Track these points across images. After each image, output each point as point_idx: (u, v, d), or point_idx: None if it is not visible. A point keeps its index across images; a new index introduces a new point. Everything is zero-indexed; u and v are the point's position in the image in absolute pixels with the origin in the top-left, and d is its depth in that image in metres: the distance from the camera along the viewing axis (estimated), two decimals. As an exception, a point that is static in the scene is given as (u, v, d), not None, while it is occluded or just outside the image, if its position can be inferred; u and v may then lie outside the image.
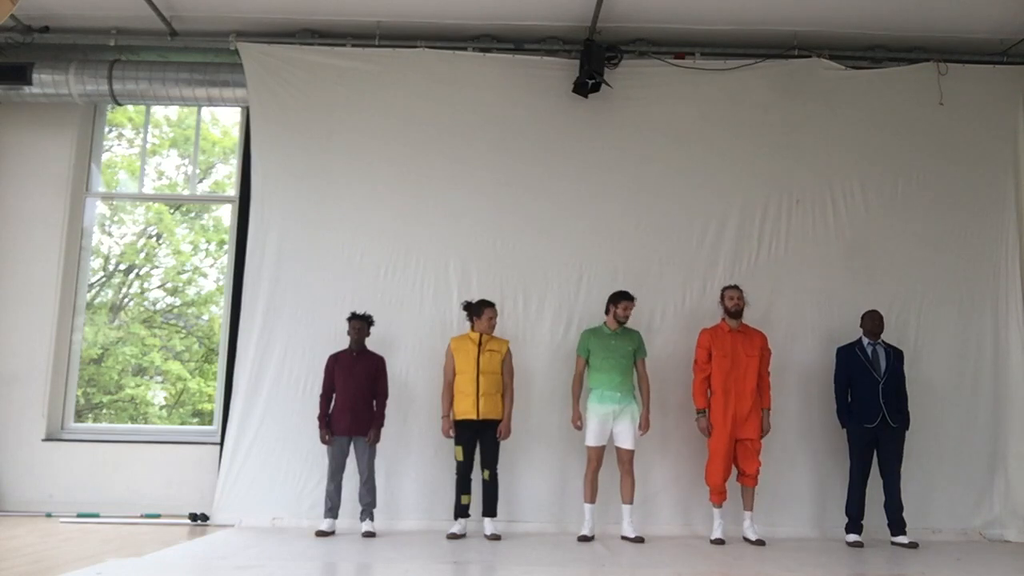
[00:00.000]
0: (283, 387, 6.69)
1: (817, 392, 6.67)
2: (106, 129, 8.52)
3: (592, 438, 6.06)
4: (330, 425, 6.15)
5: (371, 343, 6.50)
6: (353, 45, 7.20)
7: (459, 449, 6.00)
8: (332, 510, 6.06)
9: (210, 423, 7.95)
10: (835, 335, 6.77)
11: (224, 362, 7.12)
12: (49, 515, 6.65)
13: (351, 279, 6.83)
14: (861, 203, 7.03)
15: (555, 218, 6.95)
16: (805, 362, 6.77)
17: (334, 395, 6.24)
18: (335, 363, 6.27)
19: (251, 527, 6.34)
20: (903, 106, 7.13)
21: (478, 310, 6.20)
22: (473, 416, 5.99)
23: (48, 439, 7.04)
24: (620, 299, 6.23)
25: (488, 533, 5.96)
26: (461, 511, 6.01)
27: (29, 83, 7.08)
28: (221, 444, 6.71)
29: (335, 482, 6.09)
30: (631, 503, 6.03)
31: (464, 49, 7.19)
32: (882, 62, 7.26)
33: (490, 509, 6.03)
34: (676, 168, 7.03)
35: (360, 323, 6.31)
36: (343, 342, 6.50)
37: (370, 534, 5.97)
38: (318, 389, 6.48)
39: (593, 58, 6.78)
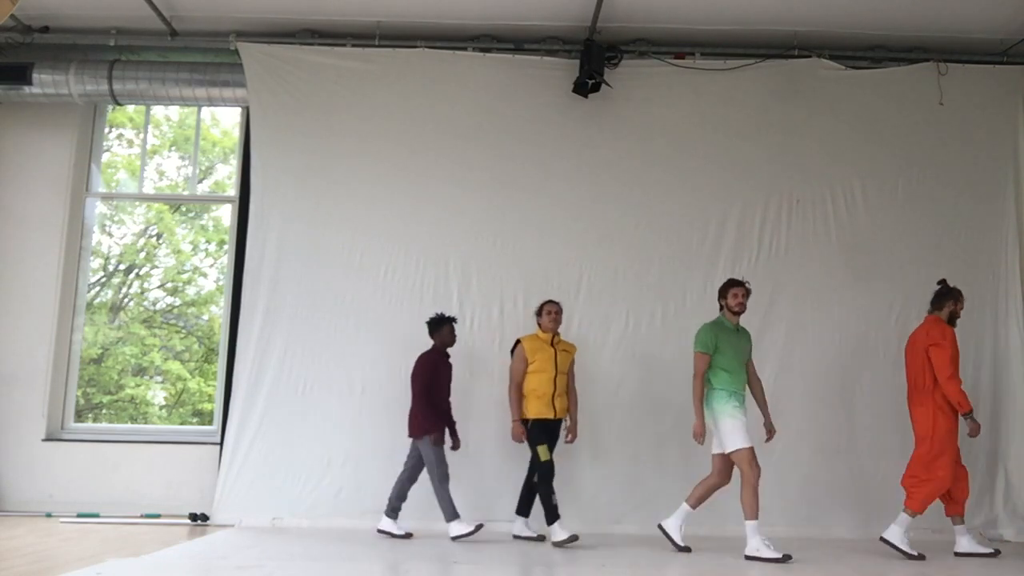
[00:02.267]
0: (283, 387, 6.69)
1: (817, 392, 6.67)
2: (106, 129, 8.53)
3: (747, 438, 5.35)
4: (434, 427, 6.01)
5: (370, 342, 6.51)
6: (353, 45, 7.20)
7: (545, 448, 5.81)
8: (455, 511, 5.93)
9: (210, 423, 7.95)
10: (835, 335, 6.77)
11: (224, 362, 7.12)
12: (49, 515, 6.64)
13: (351, 279, 6.83)
14: (861, 203, 7.03)
15: (555, 218, 6.95)
16: (805, 362, 6.77)
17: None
18: (437, 365, 6.17)
19: (251, 527, 6.34)
20: (903, 106, 7.14)
21: (539, 310, 6.08)
22: (551, 416, 5.91)
23: (48, 439, 7.04)
24: (729, 287, 5.68)
25: (560, 538, 5.69)
26: (556, 513, 5.76)
27: (29, 83, 7.08)
28: (221, 444, 6.71)
29: (447, 484, 5.97)
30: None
31: (464, 49, 7.19)
32: (882, 62, 7.27)
33: (526, 509, 5.97)
34: (676, 168, 7.03)
35: (454, 325, 6.27)
36: (343, 342, 6.51)
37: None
38: (318, 389, 6.50)
39: (593, 58, 6.78)
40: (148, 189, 10.90)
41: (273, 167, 7.01)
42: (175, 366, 11.65)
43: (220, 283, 11.59)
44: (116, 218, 11.74)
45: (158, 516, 6.66)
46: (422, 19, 7.02)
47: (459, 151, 7.02)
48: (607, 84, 6.91)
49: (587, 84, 6.83)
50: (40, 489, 6.89)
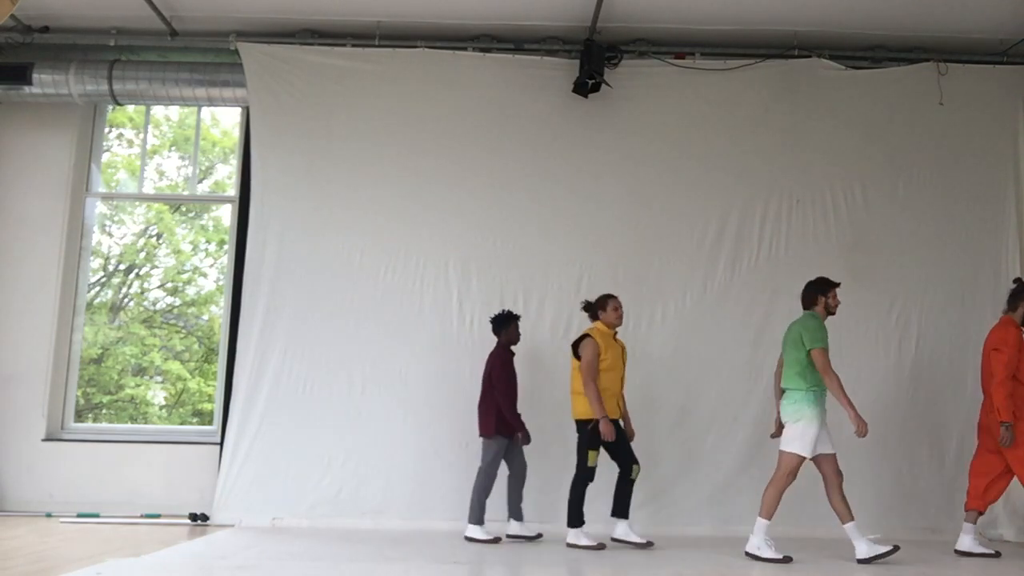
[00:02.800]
0: (283, 387, 6.69)
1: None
2: (106, 129, 8.52)
3: (811, 449, 5.22)
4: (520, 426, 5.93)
5: (371, 342, 6.51)
6: (353, 45, 7.20)
7: (595, 454, 5.63)
8: (482, 516, 5.91)
9: (210, 423, 7.95)
10: (835, 335, 6.75)
11: (224, 362, 7.12)
12: (49, 515, 6.64)
13: (351, 279, 6.84)
14: (861, 203, 7.03)
15: (555, 218, 6.95)
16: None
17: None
18: (509, 363, 6.06)
19: (251, 527, 6.34)
20: (903, 106, 7.14)
21: (604, 303, 5.85)
22: (617, 416, 5.75)
23: (48, 439, 7.04)
24: (831, 285, 5.52)
25: (638, 539, 5.61)
26: (582, 519, 5.66)
27: (29, 83, 7.08)
28: (221, 444, 6.71)
29: (490, 488, 5.94)
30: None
31: (464, 49, 7.19)
32: (882, 62, 7.27)
33: (626, 510, 5.73)
34: (676, 168, 7.03)
35: (519, 322, 6.18)
36: (343, 342, 6.52)
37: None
38: (318, 389, 6.51)
39: (593, 58, 6.78)
40: (148, 189, 10.90)
41: (273, 167, 7.01)
42: (175, 366, 11.65)
43: (220, 283, 11.58)
44: (116, 218, 11.74)
45: (158, 516, 6.66)
46: (422, 19, 7.02)
47: (459, 151, 7.02)
48: (607, 84, 6.92)
49: (587, 84, 6.83)
50: (40, 489, 6.89)
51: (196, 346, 12.06)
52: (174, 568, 4.69)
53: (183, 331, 12.06)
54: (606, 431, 5.53)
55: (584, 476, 5.64)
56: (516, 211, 6.95)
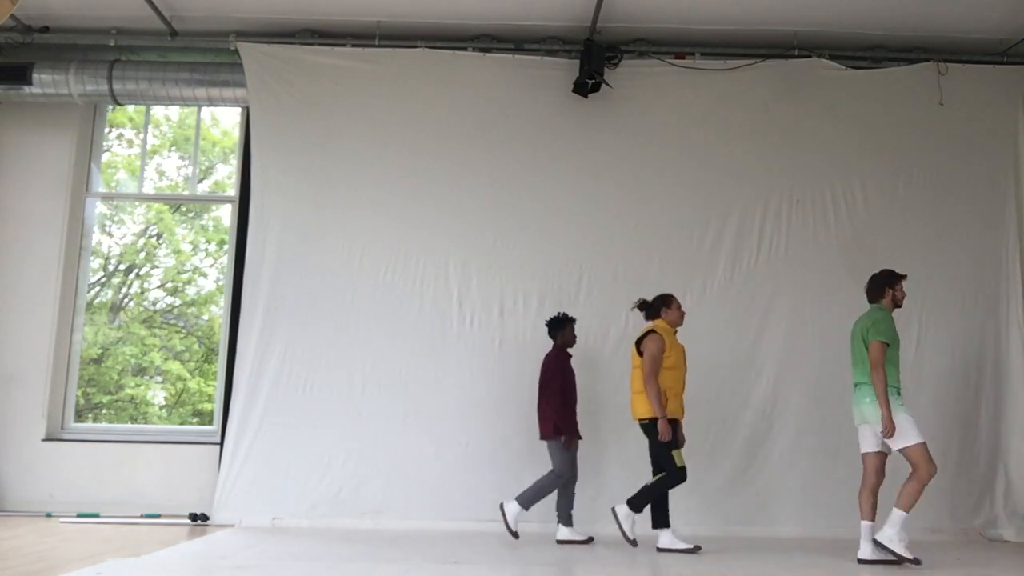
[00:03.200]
0: (283, 387, 6.69)
1: (817, 391, 6.67)
2: (106, 129, 8.53)
3: (920, 433, 5.09)
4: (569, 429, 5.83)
5: (370, 342, 6.51)
6: (353, 45, 7.20)
7: (679, 453, 5.44)
8: (570, 516, 5.84)
9: (210, 423, 7.95)
10: (835, 334, 6.76)
11: (224, 362, 7.12)
12: (49, 515, 6.64)
13: (351, 278, 6.84)
14: (861, 203, 7.03)
15: (555, 218, 6.95)
16: (805, 362, 6.76)
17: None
18: (566, 365, 5.99)
19: (251, 527, 6.34)
20: (903, 106, 7.14)
21: (668, 301, 5.72)
22: (680, 416, 5.60)
23: (48, 439, 7.04)
24: (898, 278, 5.45)
25: (631, 535, 5.52)
26: (668, 521, 5.51)
27: (29, 83, 7.08)
28: (221, 444, 6.71)
29: (572, 488, 5.86)
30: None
31: (464, 49, 7.19)
32: (882, 62, 7.27)
33: (640, 509, 5.58)
34: (676, 168, 7.03)
35: (574, 325, 6.12)
36: (343, 342, 6.51)
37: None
38: (318, 389, 6.50)
39: (593, 58, 6.78)
40: (148, 189, 10.90)
41: (273, 167, 7.01)
42: (175, 366, 11.65)
43: (220, 283, 11.58)
44: (116, 218, 11.74)
45: (158, 516, 6.66)
46: (422, 19, 7.03)
47: (459, 151, 7.02)
48: (607, 84, 6.92)
49: (587, 84, 6.83)
50: (40, 489, 6.89)
51: (196, 346, 12.06)
52: (174, 568, 4.69)
53: (183, 331, 12.06)
54: (663, 430, 5.38)
55: (674, 478, 5.42)
56: (516, 211, 6.95)
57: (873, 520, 5.12)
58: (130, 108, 9.94)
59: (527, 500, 5.79)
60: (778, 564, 5.12)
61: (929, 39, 7.15)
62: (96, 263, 10.92)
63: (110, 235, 11.75)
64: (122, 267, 12.13)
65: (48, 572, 4.32)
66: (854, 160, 7.07)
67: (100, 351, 11.31)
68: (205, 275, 12.20)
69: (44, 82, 7.10)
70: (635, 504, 5.51)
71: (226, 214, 10.11)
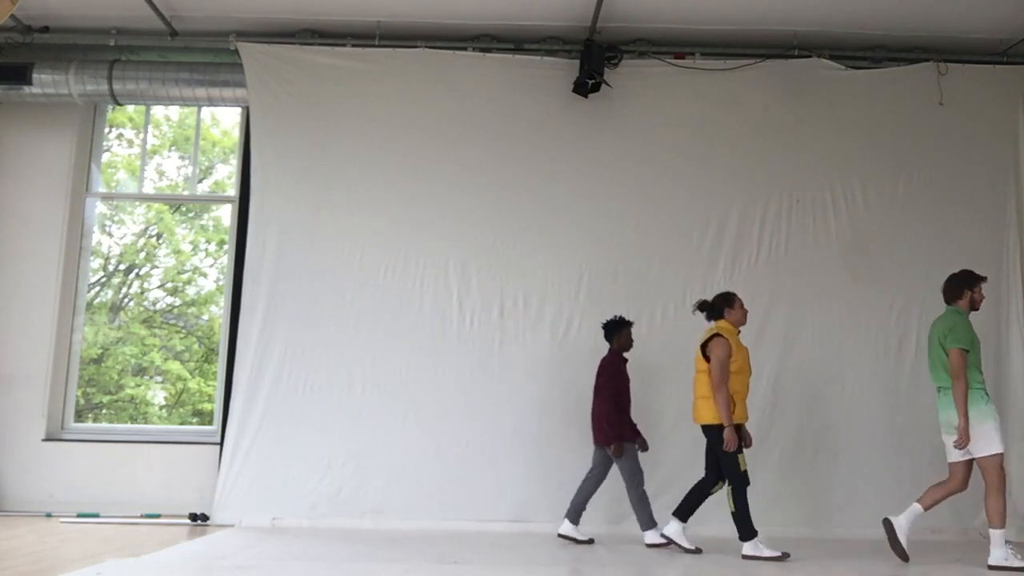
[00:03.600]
0: (283, 387, 6.69)
1: (817, 392, 6.67)
2: (106, 129, 8.53)
3: (1001, 442, 4.97)
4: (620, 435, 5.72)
5: (370, 343, 6.49)
6: (353, 45, 7.20)
7: (743, 458, 5.31)
8: (652, 519, 5.70)
9: (210, 423, 7.95)
10: (835, 335, 6.77)
11: (224, 362, 7.12)
12: (49, 515, 6.64)
13: (351, 278, 6.84)
14: (861, 203, 7.03)
15: (555, 218, 6.95)
16: (805, 362, 6.77)
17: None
18: (622, 369, 5.90)
19: (251, 527, 6.34)
20: (903, 106, 7.14)
21: (730, 300, 5.56)
22: (744, 420, 5.46)
23: (48, 439, 7.04)
24: (978, 280, 5.30)
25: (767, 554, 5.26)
26: (754, 528, 5.31)
27: (29, 83, 7.08)
28: (221, 444, 6.71)
29: (644, 490, 5.74)
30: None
31: (464, 49, 7.19)
32: (882, 62, 7.27)
33: (688, 515, 5.52)
34: (676, 168, 7.04)
35: (631, 329, 6.03)
36: (343, 342, 6.50)
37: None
38: (318, 389, 6.50)
39: (593, 58, 6.78)
40: (148, 189, 10.90)
41: (273, 167, 7.01)
42: (175, 366, 11.65)
43: (220, 283, 11.58)
44: (116, 218, 11.74)
45: (158, 516, 6.66)
46: (422, 19, 7.03)
47: (459, 151, 7.02)
48: (607, 84, 6.92)
49: (587, 84, 6.83)
50: (40, 489, 6.89)
51: (196, 346, 12.06)
52: (174, 568, 4.69)
53: (183, 331, 12.06)
54: (729, 439, 5.23)
55: (742, 484, 5.28)
56: (516, 211, 6.95)
57: (1003, 527, 4.90)
58: (130, 108, 9.94)
59: (646, 522, 5.67)
60: (778, 564, 5.12)
61: (929, 39, 7.15)
62: (96, 263, 10.92)
63: (110, 235, 11.75)
64: (122, 267, 12.13)
65: (48, 572, 4.32)
66: (854, 160, 7.07)
67: (100, 351, 11.31)
68: (205, 275, 12.21)
69: (44, 82, 7.10)
70: (744, 534, 5.28)
71: (226, 214, 10.11)
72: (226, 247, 8.55)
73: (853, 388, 6.76)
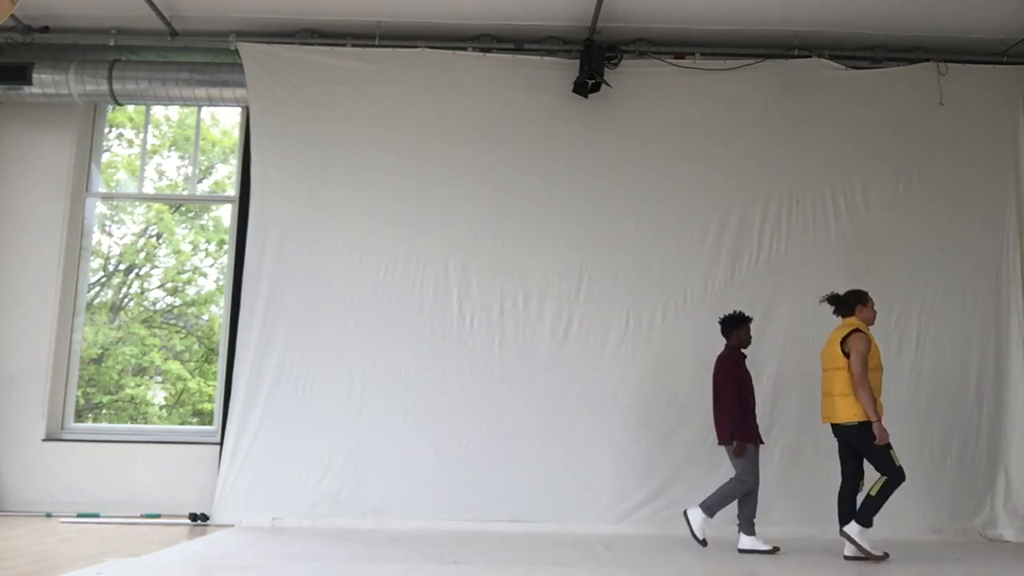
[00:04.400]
0: (283, 387, 6.69)
1: (818, 391, 6.67)
2: (106, 129, 8.52)
3: None
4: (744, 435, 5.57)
5: (370, 343, 6.49)
6: (353, 45, 7.20)
7: (895, 452, 5.22)
8: (752, 524, 5.57)
9: (210, 423, 7.95)
10: (835, 335, 6.76)
11: (224, 362, 7.12)
12: (49, 515, 6.64)
13: (351, 278, 6.84)
14: (861, 203, 7.03)
15: (555, 218, 6.95)
16: (805, 362, 6.75)
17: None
18: (742, 367, 5.75)
19: (251, 527, 6.34)
20: (903, 106, 7.14)
21: (864, 298, 5.48)
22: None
23: (48, 439, 7.04)
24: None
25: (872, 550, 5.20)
26: (871, 521, 5.22)
27: (29, 83, 7.08)
28: (221, 444, 6.71)
29: (755, 494, 5.58)
30: None
31: (464, 49, 7.19)
32: (882, 62, 7.27)
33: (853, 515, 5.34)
34: (676, 168, 7.03)
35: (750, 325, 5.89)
36: (343, 342, 6.49)
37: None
38: (318, 389, 6.49)
39: (593, 58, 6.78)
40: (148, 189, 10.89)
41: (273, 167, 7.01)
42: (175, 366, 11.64)
43: (220, 283, 11.57)
44: (116, 218, 11.73)
45: (158, 516, 6.66)
46: (422, 19, 7.02)
47: (459, 151, 7.02)
48: (607, 84, 6.92)
49: (587, 84, 6.83)
50: (40, 489, 6.89)
51: (196, 346, 12.06)
52: (174, 568, 4.69)
53: (183, 331, 12.06)
54: (880, 434, 5.14)
55: (896, 478, 5.17)
56: (516, 211, 6.95)
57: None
58: (130, 108, 9.94)
59: (711, 507, 5.54)
60: (778, 564, 5.12)
61: (929, 39, 7.15)
62: (96, 263, 10.91)
63: (110, 235, 11.74)
64: (122, 267, 12.13)
65: (48, 572, 4.32)
66: (854, 160, 7.07)
67: (100, 351, 11.30)
68: (205, 275, 12.20)
69: (44, 82, 7.10)
70: (863, 518, 5.21)
71: (226, 214, 10.11)
72: (226, 247, 8.55)
73: (853, 388, 6.74)
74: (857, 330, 5.34)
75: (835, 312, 5.58)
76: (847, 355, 5.30)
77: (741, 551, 5.50)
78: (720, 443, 5.73)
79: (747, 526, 5.57)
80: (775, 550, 5.46)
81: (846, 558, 5.22)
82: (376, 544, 5.64)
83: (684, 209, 6.97)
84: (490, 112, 7.09)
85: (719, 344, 6.81)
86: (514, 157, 7.03)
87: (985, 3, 6.59)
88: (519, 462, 6.56)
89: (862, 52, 7.27)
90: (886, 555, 5.20)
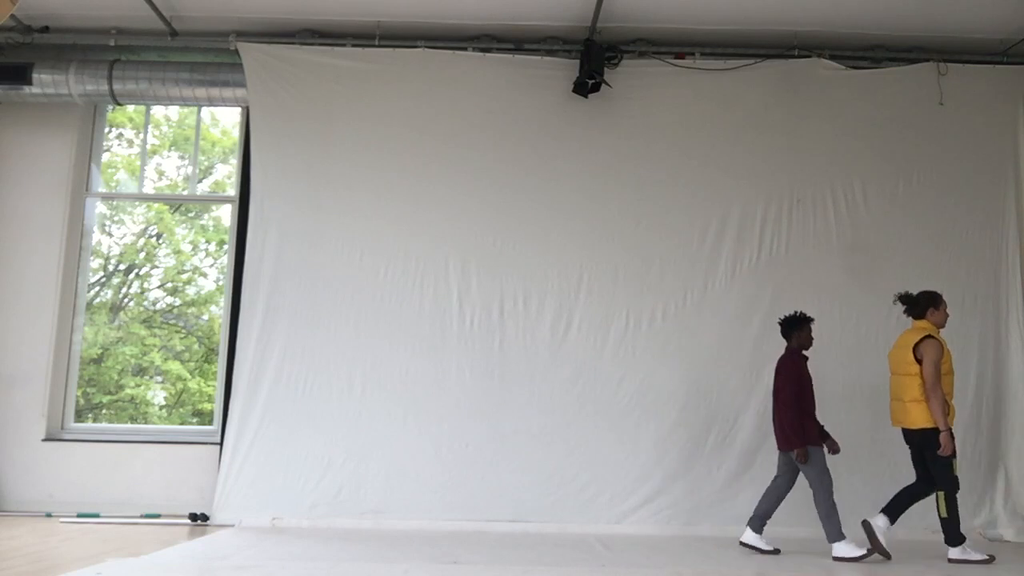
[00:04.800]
0: (283, 387, 6.69)
1: (817, 392, 6.66)
2: (106, 129, 8.52)
3: None
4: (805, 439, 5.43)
5: (370, 343, 6.48)
6: (353, 45, 7.20)
7: (956, 462, 5.19)
8: (840, 530, 5.40)
9: (210, 423, 7.94)
10: (835, 335, 6.76)
11: (224, 362, 7.12)
12: (49, 515, 6.65)
13: (351, 278, 6.84)
14: (861, 203, 7.03)
15: (555, 218, 6.95)
16: (805, 362, 6.77)
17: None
18: (804, 370, 5.59)
19: (251, 527, 6.34)
20: (903, 106, 7.14)
21: (937, 301, 5.45)
22: (953, 422, 5.27)
23: (48, 439, 7.04)
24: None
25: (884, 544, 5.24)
26: (961, 534, 5.24)
27: (29, 83, 7.08)
28: (221, 444, 6.71)
29: (832, 498, 5.45)
30: None
31: (464, 49, 7.19)
32: (882, 62, 7.27)
33: (899, 514, 5.34)
34: (676, 168, 7.03)
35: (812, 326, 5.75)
36: (343, 342, 6.49)
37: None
38: (318, 389, 6.49)
39: (593, 58, 6.78)
40: (148, 189, 10.89)
41: (273, 167, 7.01)
42: (175, 366, 11.64)
43: (220, 283, 11.57)
44: (116, 218, 11.72)
45: (158, 516, 6.66)
46: (422, 19, 7.02)
47: (459, 151, 7.02)
48: (607, 84, 6.92)
49: (587, 84, 6.83)
50: (40, 489, 6.89)
51: (196, 346, 12.05)
52: (174, 568, 4.69)
53: (183, 331, 12.05)
54: (946, 444, 5.12)
55: (951, 489, 5.18)
56: (516, 211, 6.95)
57: None
58: (130, 108, 9.94)
59: (829, 533, 5.38)
60: (778, 564, 5.12)
61: (929, 39, 7.15)
62: (96, 263, 10.91)
63: (110, 235, 11.74)
64: (122, 267, 12.13)
65: (48, 572, 4.32)
66: (854, 160, 7.07)
67: (100, 351, 11.30)
68: (205, 275, 12.19)
69: (44, 82, 7.10)
70: (952, 539, 5.22)
71: (226, 214, 10.10)
72: (226, 247, 8.54)
73: (853, 387, 6.75)
74: (929, 336, 5.29)
75: (906, 312, 5.53)
76: (919, 361, 5.25)
77: (743, 544, 5.52)
78: (779, 449, 5.63)
79: (758, 523, 5.55)
80: (776, 551, 5.46)
81: (950, 561, 5.27)
82: (376, 544, 5.64)
83: (684, 209, 6.97)
84: (490, 112, 7.09)
85: (720, 344, 6.82)
86: (514, 157, 7.03)
87: (985, 3, 6.59)
88: (519, 462, 6.56)
89: (862, 52, 7.27)
90: (991, 558, 5.22)
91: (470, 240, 6.90)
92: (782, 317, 5.81)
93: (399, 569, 4.74)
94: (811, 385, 5.61)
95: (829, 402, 6.66)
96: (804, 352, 5.71)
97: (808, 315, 5.77)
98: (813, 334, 5.74)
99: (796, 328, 5.71)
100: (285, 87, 7.09)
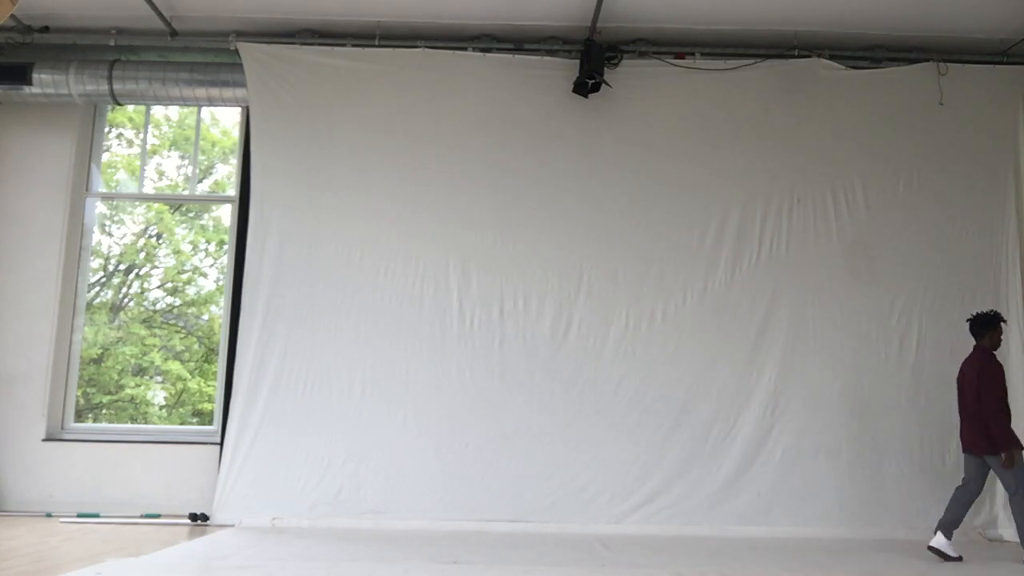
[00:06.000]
0: (283, 387, 6.70)
1: (818, 392, 6.67)
2: (106, 129, 8.52)
3: None
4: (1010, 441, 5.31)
5: (370, 342, 6.48)
6: (353, 45, 7.20)
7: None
8: (953, 530, 5.40)
9: (210, 423, 7.94)
10: (836, 334, 6.77)
11: (224, 362, 7.12)
12: (49, 515, 6.65)
13: (351, 278, 6.84)
14: (862, 203, 7.03)
15: (555, 218, 6.95)
16: (806, 362, 6.76)
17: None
18: (999, 371, 5.47)
19: (251, 527, 6.34)
20: (903, 106, 7.14)
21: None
22: None
23: (48, 439, 7.04)
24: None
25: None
26: None
27: (29, 83, 7.08)
28: (221, 444, 6.71)
29: (972, 501, 5.46)
30: None
31: (464, 49, 7.19)
32: (882, 62, 7.27)
33: None
34: (676, 167, 7.03)
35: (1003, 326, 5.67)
36: (343, 342, 6.49)
37: None
38: (318, 389, 6.50)
39: (593, 58, 6.78)
40: (148, 189, 10.89)
41: (273, 167, 7.01)
42: (175, 366, 11.64)
43: (220, 283, 11.57)
44: (116, 218, 11.72)
45: (158, 516, 6.66)
46: (422, 19, 7.03)
47: (459, 150, 7.02)
48: (607, 84, 6.92)
49: (587, 84, 6.83)
50: (40, 489, 6.89)
51: (196, 346, 12.05)
52: (174, 568, 4.69)
53: (183, 331, 12.05)
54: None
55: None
56: (516, 211, 6.95)
57: None
58: (130, 108, 9.94)
59: (948, 527, 5.43)
60: (778, 564, 5.12)
61: (929, 39, 7.15)
62: (96, 263, 10.91)
63: (110, 235, 11.74)
64: (122, 267, 12.12)
65: (48, 572, 4.32)
66: (854, 160, 7.07)
67: (100, 351, 11.29)
68: (205, 275, 12.19)
69: (44, 82, 7.10)
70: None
71: (226, 214, 10.10)
72: (226, 247, 8.54)
73: (853, 387, 6.76)
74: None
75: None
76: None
77: (931, 548, 5.41)
78: (977, 454, 5.48)
79: (947, 528, 5.44)
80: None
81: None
82: (376, 544, 5.64)
83: (684, 209, 6.97)
84: (490, 112, 7.09)
85: (720, 344, 6.82)
86: (514, 157, 7.03)
87: (985, 3, 6.59)
88: (519, 462, 6.55)
89: (862, 52, 7.27)
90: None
91: (470, 240, 6.90)
92: (973, 315, 5.73)
93: (399, 569, 4.74)
94: (1006, 388, 5.52)
95: (830, 400, 6.67)
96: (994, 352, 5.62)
97: (1001, 315, 5.68)
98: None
99: (991, 328, 5.61)
100: (285, 87, 7.09)
